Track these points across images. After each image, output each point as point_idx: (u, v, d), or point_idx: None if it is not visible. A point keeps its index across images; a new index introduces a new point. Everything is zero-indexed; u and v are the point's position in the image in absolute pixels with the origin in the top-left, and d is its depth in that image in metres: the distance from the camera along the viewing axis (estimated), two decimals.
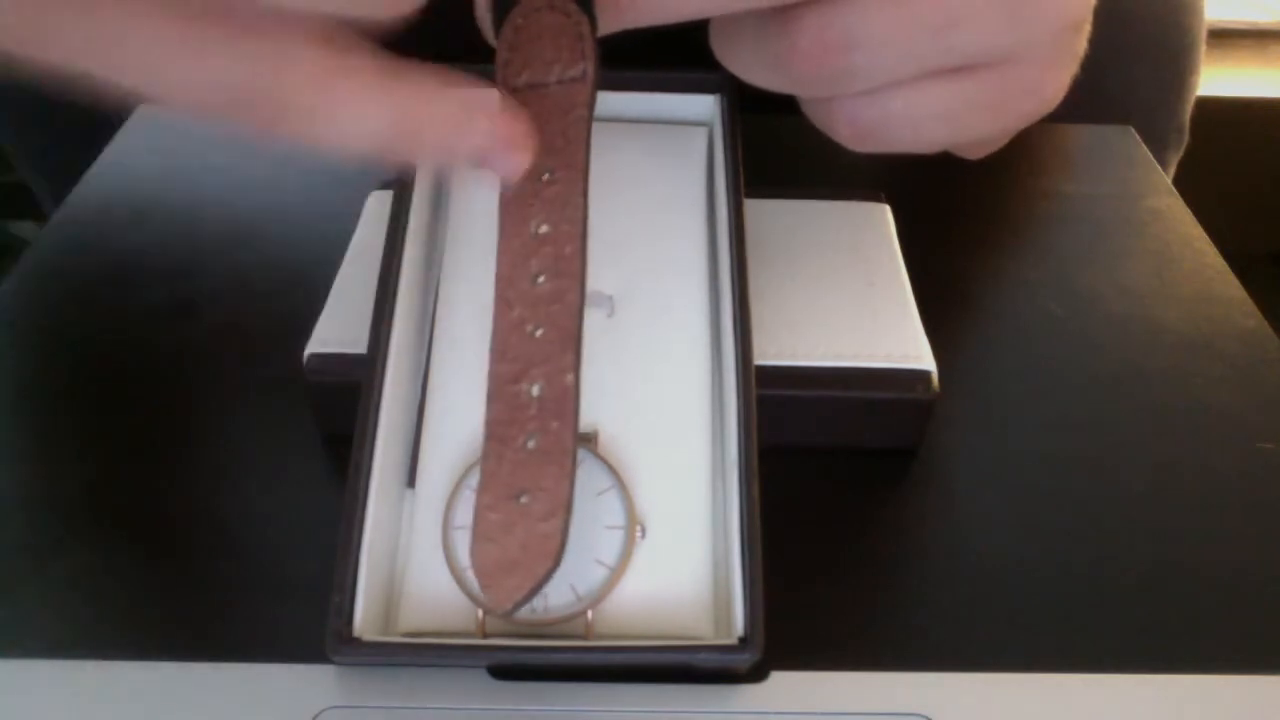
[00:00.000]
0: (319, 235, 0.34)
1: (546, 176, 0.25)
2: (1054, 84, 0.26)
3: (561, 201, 0.25)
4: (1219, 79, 1.02)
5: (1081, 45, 0.26)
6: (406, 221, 0.29)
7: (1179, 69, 0.55)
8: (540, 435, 0.23)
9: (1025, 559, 0.27)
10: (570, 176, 0.25)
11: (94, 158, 0.41)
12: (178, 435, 0.30)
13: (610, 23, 0.25)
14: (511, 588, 0.22)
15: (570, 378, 0.23)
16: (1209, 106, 0.58)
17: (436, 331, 0.29)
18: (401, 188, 0.29)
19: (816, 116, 0.27)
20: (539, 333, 0.24)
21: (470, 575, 0.25)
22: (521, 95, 0.25)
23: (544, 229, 0.24)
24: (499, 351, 0.24)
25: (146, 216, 0.38)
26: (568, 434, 0.23)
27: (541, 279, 0.24)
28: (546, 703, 0.24)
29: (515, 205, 0.25)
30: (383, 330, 0.27)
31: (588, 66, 0.25)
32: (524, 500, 0.23)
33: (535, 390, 0.24)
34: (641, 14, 0.25)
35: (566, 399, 0.23)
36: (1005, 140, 0.29)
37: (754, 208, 0.31)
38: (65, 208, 0.38)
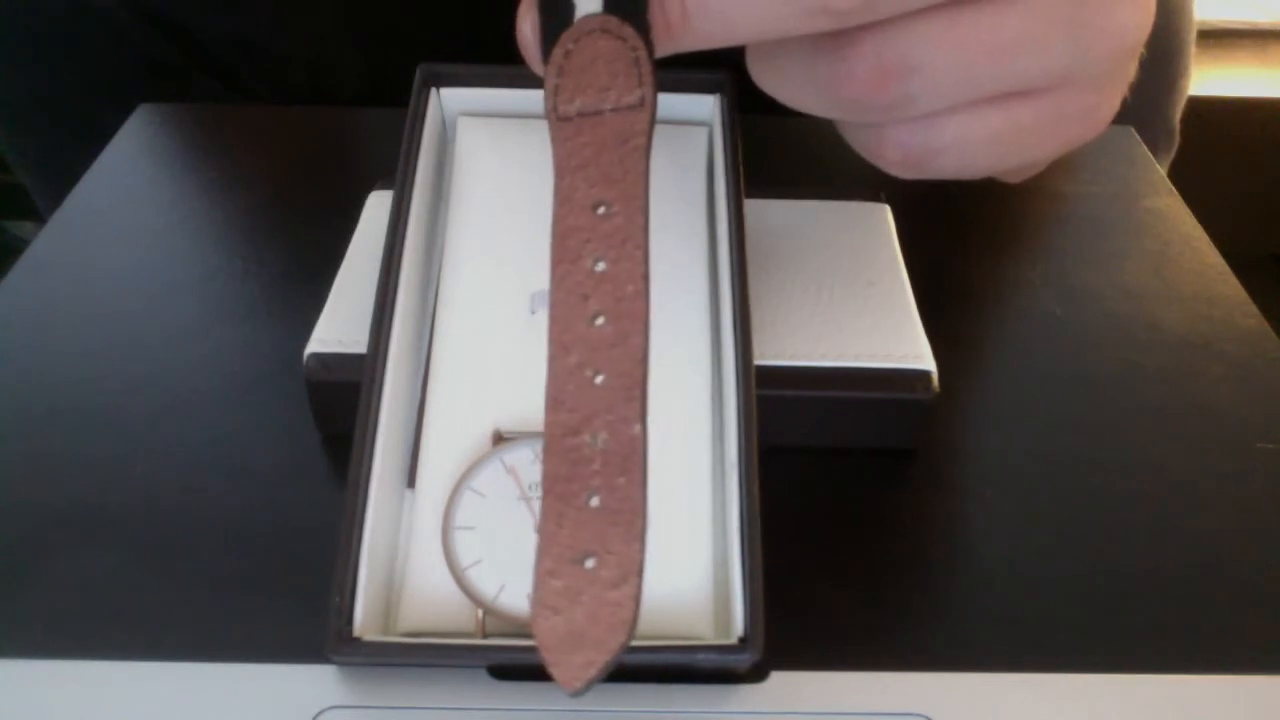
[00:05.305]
0: (319, 235, 0.34)
1: (603, 210, 0.23)
2: (1107, 108, 0.25)
3: (620, 236, 0.23)
4: (1218, 79, 1.02)
5: (1134, 69, 0.25)
6: (406, 221, 0.29)
7: (1169, 72, 0.55)
8: (605, 492, 0.21)
9: (1025, 559, 0.27)
10: (629, 209, 0.23)
11: (92, 158, 0.41)
12: (177, 435, 0.30)
13: (663, 47, 0.24)
14: (580, 665, 0.20)
15: (637, 428, 0.22)
16: (1208, 107, 0.59)
17: (436, 331, 0.29)
18: (401, 187, 0.29)
19: (861, 143, 0.26)
20: (599, 379, 0.22)
21: (470, 575, 0.25)
22: (574, 123, 0.24)
23: (601, 266, 0.23)
24: (555, 400, 0.22)
25: (146, 217, 0.38)
26: (636, 490, 0.21)
27: (601, 320, 0.23)
28: (546, 703, 0.24)
29: (569, 240, 0.23)
30: (383, 330, 0.27)
31: (646, 93, 0.23)
32: (589, 565, 0.21)
33: (598, 442, 0.22)
34: (696, 38, 0.23)
35: (634, 452, 0.21)
36: (1046, 165, 0.28)
37: (754, 208, 0.31)
38: (65, 208, 0.38)
